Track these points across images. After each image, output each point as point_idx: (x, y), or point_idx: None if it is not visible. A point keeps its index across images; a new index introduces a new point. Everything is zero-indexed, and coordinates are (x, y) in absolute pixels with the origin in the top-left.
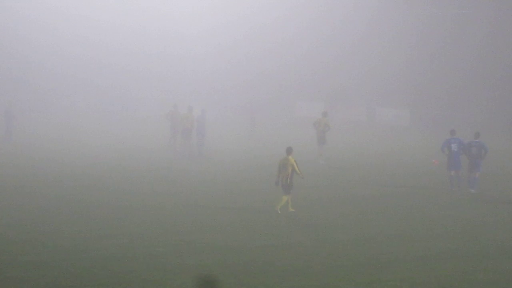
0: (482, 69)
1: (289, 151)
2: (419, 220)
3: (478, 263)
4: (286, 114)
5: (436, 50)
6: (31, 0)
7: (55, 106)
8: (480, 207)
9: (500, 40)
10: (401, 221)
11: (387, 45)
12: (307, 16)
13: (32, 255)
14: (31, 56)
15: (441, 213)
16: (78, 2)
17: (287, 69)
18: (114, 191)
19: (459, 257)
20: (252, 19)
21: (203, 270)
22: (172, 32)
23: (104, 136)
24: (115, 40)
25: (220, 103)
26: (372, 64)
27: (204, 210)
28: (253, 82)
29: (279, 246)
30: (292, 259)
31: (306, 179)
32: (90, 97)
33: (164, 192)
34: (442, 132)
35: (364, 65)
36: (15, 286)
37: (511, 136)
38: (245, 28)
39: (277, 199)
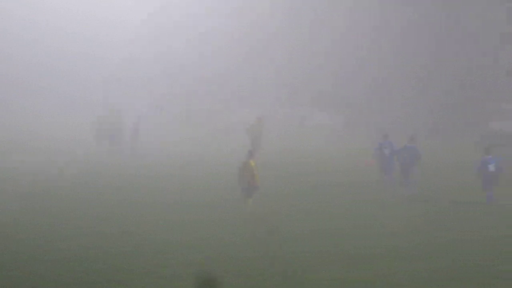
0: (415, 73)
1: (250, 155)
2: (352, 219)
3: (412, 262)
4: (223, 120)
5: (370, 54)
6: None
7: None
8: (414, 208)
9: (435, 43)
10: (332, 220)
11: (322, 49)
12: (245, 22)
13: None
14: None
15: (375, 213)
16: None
17: (223, 75)
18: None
19: (391, 257)
20: (191, 24)
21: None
22: (108, 35)
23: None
24: (50, 40)
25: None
26: (306, 69)
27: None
28: (193, 88)
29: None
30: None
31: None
32: (29, 98)
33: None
34: (376, 136)
35: (297, 69)
36: None
37: (444, 138)
38: (184, 34)
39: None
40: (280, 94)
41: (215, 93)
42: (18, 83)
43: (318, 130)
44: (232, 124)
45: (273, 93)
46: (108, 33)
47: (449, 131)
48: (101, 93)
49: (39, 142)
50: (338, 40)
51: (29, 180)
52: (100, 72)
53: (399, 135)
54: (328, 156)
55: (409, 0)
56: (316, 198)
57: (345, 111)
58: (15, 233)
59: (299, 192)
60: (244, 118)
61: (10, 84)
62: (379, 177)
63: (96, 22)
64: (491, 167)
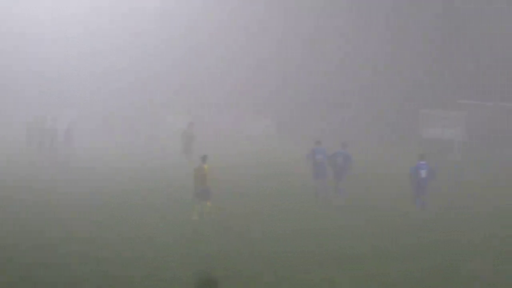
0: (352, 80)
1: (204, 159)
2: (282, 224)
3: (343, 267)
4: (154, 126)
5: (302, 60)
6: None
7: None
8: (346, 214)
9: (373, 49)
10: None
11: (258, 55)
12: (180, 25)
13: None
14: None
15: (309, 220)
16: None
17: (155, 79)
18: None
19: (322, 261)
20: (122, 25)
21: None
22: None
23: None
24: None
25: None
26: (241, 74)
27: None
28: (124, 91)
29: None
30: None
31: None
32: None
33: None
34: (308, 141)
35: (232, 75)
36: None
37: (378, 145)
38: (116, 36)
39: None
40: (213, 99)
41: (147, 97)
42: None
43: (252, 136)
44: (161, 129)
45: (207, 98)
46: (39, 31)
47: (385, 137)
48: (36, 92)
49: None
50: (275, 45)
51: None
52: (35, 70)
53: (334, 141)
54: (263, 163)
55: (349, 6)
56: (256, 201)
57: (279, 117)
58: None
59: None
60: (175, 124)
61: None
62: (313, 182)
63: (27, 21)
64: (423, 173)
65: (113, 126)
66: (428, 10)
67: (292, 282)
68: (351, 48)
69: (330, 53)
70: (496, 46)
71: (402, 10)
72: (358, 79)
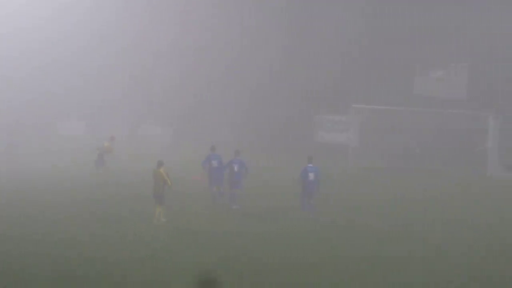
0: (248, 86)
1: (159, 164)
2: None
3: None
4: (49, 134)
5: (196, 66)
6: None
7: None
8: (242, 221)
9: (260, 54)
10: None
11: (150, 61)
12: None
13: None
14: None
15: (203, 227)
16: None
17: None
18: None
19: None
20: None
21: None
22: None
23: None
24: None
25: None
26: (135, 80)
27: None
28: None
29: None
30: None
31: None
32: None
33: None
34: (204, 148)
35: (126, 81)
36: None
37: (270, 154)
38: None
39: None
40: (107, 106)
41: (46, 105)
42: None
43: (148, 143)
44: (60, 136)
45: (100, 104)
46: None
47: (280, 142)
48: None
49: None
50: (166, 52)
51: None
52: None
53: (230, 147)
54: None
55: (241, 10)
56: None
57: (175, 123)
58: None
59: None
60: (72, 131)
61: None
62: (209, 189)
63: None
64: (311, 176)
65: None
66: (324, 15)
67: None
68: (245, 54)
69: (223, 59)
70: (391, 51)
71: (298, 14)
72: (246, 85)
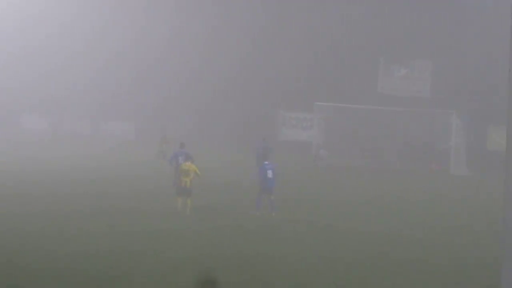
0: (203, 81)
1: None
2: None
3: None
4: (10, 129)
5: (161, 61)
6: None
7: None
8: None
9: (224, 49)
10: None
11: (111, 58)
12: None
13: None
14: None
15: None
16: None
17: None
18: None
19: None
20: None
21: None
22: None
23: None
24: None
25: None
26: (96, 75)
27: None
28: None
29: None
30: None
31: None
32: None
33: None
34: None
35: (87, 75)
36: None
37: (234, 147)
38: None
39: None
40: (69, 102)
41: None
42: None
43: (111, 140)
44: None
45: (63, 101)
46: None
47: (241, 139)
48: None
49: None
50: (131, 47)
51: None
52: None
53: (193, 144)
54: (123, 169)
55: (209, 7)
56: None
57: (138, 121)
58: None
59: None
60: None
61: None
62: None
63: None
64: (270, 174)
65: None
66: (290, 11)
67: None
68: (208, 49)
69: (188, 54)
70: (356, 49)
71: (264, 11)
72: (215, 80)
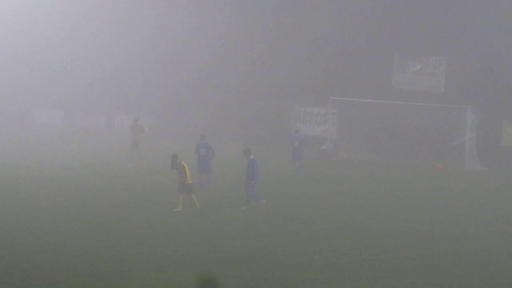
0: (219, 77)
1: (175, 157)
2: (159, 227)
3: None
4: (26, 123)
5: (175, 56)
6: None
7: None
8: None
9: (239, 45)
10: (141, 229)
11: (126, 53)
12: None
13: None
14: None
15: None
16: None
17: (24, 73)
18: None
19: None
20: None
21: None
22: None
23: None
24: None
25: None
26: (110, 72)
27: None
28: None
29: None
30: None
31: None
32: None
33: None
34: (184, 137)
35: (103, 72)
36: None
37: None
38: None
39: None
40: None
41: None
42: None
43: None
44: (38, 125)
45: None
46: None
47: (258, 134)
48: None
49: None
50: (144, 43)
51: None
52: None
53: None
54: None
55: (222, 3)
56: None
57: (152, 115)
58: None
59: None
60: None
61: None
62: (197, 176)
63: None
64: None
65: None
66: (306, 7)
67: None
68: (223, 46)
69: (203, 50)
70: (370, 43)
71: (279, 8)
72: (231, 76)
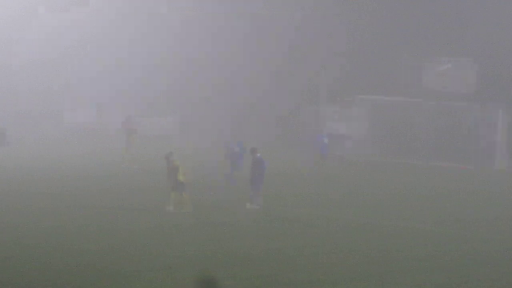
0: (247, 78)
1: (170, 155)
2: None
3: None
4: (53, 123)
5: (207, 58)
6: None
7: None
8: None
9: (267, 45)
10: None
11: (153, 52)
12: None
13: None
14: None
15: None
16: None
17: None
18: None
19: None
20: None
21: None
22: None
23: None
24: None
25: None
26: (139, 70)
27: None
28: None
29: None
30: None
31: None
32: None
33: None
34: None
35: (129, 70)
36: None
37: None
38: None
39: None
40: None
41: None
42: None
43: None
44: (75, 124)
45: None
46: None
47: (286, 135)
48: None
49: None
50: (177, 43)
51: None
52: None
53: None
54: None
55: (249, 4)
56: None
57: (183, 116)
58: None
59: None
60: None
61: None
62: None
63: None
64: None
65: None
66: (328, 2)
67: None
68: (251, 47)
69: (234, 51)
70: (401, 42)
71: (304, 6)
72: (258, 77)
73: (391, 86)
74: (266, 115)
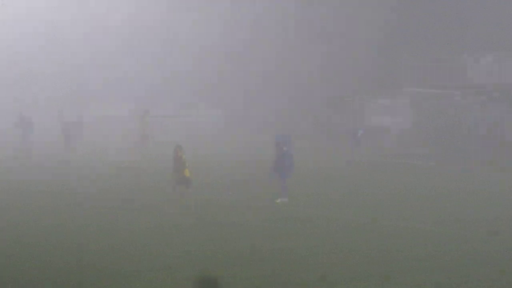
0: (295, 70)
1: (179, 149)
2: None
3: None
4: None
5: (239, 50)
6: None
7: None
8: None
9: (313, 41)
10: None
11: (186, 45)
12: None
13: None
14: None
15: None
16: None
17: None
18: None
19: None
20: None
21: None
22: None
23: None
24: None
25: None
26: (187, 63)
27: None
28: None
29: None
30: None
31: None
32: None
33: None
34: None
35: (176, 63)
36: None
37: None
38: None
39: None
40: (157, 88)
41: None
42: None
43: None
44: (105, 116)
45: (147, 87)
46: None
47: (330, 126)
48: None
49: None
50: (223, 35)
51: None
52: None
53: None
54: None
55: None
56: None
57: (229, 108)
58: None
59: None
60: (117, 111)
61: None
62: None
63: None
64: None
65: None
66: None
67: None
68: (296, 38)
69: (277, 44)
70: (440, 35)
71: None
72: (304, 69)
73: (436, 78)
74: (308, 108)
